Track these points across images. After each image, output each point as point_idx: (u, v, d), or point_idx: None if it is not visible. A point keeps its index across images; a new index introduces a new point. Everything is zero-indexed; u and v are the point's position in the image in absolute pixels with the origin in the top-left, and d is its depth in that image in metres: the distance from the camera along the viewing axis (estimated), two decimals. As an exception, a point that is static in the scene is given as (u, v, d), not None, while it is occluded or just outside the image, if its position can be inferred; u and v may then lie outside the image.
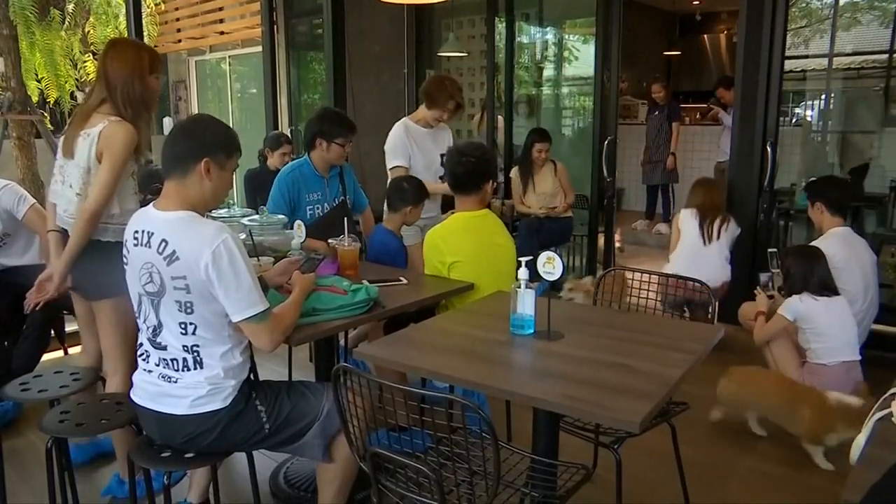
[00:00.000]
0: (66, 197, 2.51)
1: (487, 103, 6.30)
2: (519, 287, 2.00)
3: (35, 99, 6.67)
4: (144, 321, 1.95)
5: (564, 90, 7.22)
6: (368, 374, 1.68)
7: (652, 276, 2.80)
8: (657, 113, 7.21)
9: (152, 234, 1.88)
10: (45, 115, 6.86)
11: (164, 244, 1.85)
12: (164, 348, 1.92)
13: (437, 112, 3.68)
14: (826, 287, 3.13)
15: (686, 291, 2.85)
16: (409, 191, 3.17)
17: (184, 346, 1.90)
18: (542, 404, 1.67)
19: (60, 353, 3.91)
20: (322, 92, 7.34)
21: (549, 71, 7.12)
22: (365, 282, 2.35)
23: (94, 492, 2.65)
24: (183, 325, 1.88)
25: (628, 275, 2.88)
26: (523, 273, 2.01)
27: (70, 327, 3.90)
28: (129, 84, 2.45)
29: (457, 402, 1.55)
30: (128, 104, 2.45)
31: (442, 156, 3.68)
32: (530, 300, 2.00)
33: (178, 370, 1.91)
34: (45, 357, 3.50)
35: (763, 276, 3.51)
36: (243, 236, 2.60)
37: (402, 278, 2.68)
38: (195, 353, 1.90)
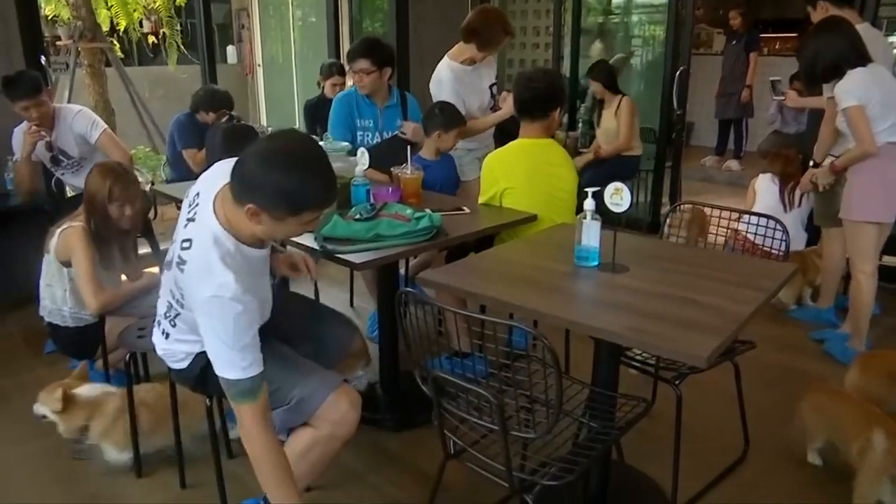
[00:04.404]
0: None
1: (553, 32, 6.07)
2: (584, 218, 1.96)
3: (105, 28, 6.76)
4: None
5: (634, 18, 6.89)
6: (432, 298, 1.69)
7: (723, 211, 2.69)
8: (734, 42, 6.85)
9: (192, 220, 1.72)
10: (115, 43, 6.95)
11: (188, 243, 1.68)
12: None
13: (490, 51, 3.42)
14: (863, 55, 2.86)
15: (759, 253, 2.73)
16: (439, 115, 3.13)
17: (166, 315, 1.87)
18: (605, 335, 1.65)
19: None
20: (383, 19, 7.21)
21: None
22: (428, 210, 2.35)
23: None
24: (169, 305, 1.83)
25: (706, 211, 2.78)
26: (589, 204, 1.96)
27: (142, 250, 4.07)
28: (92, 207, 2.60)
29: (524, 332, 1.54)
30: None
31: (491, 86, 3.58)
32: (595, 231, 1.96)
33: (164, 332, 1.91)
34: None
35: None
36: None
37: (464, 208, 2.67)
38: (171, 322, 1.86)
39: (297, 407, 1.79)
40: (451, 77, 3.37)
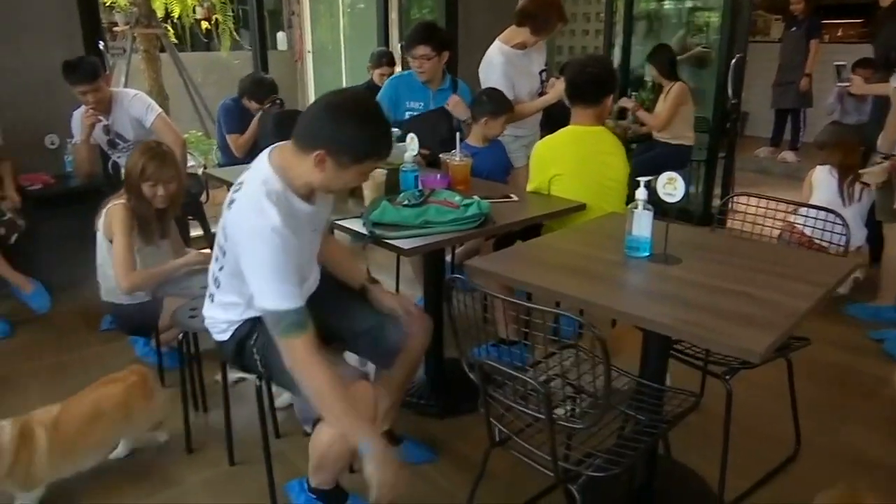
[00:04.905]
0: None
1: (605, 19, 5.96)
2: (636, 207, 1.92)
3: (160, 14, 6.90)
4: None
5: (688, 3, 6.71)
6: (480, 285, 1.68)
7: (780, 203, 2.61)
8: (794, 29, 6.60)
9: (241, 178, 1.81)
10: (169, 29, 7.10)
11: (239, 185, 1.77)
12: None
13: (543, 36, 3.38)
14: None
15: (811, 243, 2.64)
16: (487, 102, 3.12)
17: (214, 277, 1.92)
18: (655, 327, 1.62)
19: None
20: (432, 6, 7.19)
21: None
22: (476, 197, 2.34)
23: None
24: (216, 258, 1.89)
25: (755, 201, 2.69)
26: (641, 193, 1.92)
27: (194, 232, 4.17)
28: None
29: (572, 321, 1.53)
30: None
31: (541, 72, 3.53)
32: (647, 221, 1.92)
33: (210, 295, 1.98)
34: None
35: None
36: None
37: (512, 195, 2.65)
38: (216, 284, 1.92)
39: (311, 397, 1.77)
40: (501, 60, 3.35)
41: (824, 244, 2.47)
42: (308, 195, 1.80)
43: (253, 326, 1.89)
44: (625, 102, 4.96)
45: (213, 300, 1.96)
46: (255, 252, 1.66)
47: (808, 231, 2.78)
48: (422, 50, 3.24)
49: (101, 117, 3.53)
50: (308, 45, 9.28)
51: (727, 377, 2.05)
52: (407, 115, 3.36)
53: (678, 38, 6.29)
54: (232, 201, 1.75)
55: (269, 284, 1.66)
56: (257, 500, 2.18)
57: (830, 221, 2.44)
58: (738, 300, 1.67)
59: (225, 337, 1.95)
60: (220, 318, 1.94)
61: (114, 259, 2.64)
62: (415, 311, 2.11)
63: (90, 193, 3.46)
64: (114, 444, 2.35)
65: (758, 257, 2.02)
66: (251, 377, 2.08)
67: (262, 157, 1.78)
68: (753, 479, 2.27)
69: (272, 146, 1.80)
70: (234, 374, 2.40)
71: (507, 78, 3.32)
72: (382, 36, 5.82)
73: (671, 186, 1.91)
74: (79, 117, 3.55)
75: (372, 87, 4.54)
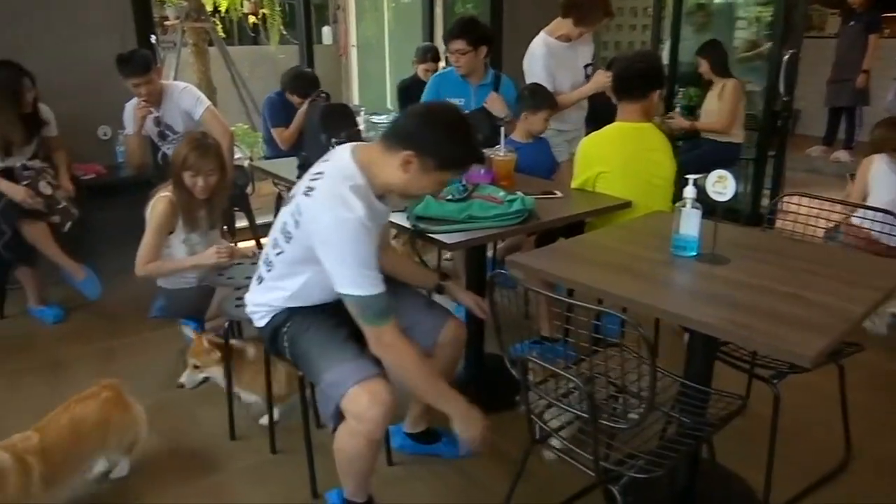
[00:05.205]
0: None
1: (654, 13, 5.86)
2: (684, 206, 1.89)
3: (209, 8, 7.03)
4: None
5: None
6: (524, 281, 1.67)
7: (834, 204, 2.53)
8: (853, 23, 6.37)
9: (325, 161, 1.86)
10: (217, 23, 7.23)
11: (319, 175, 1.79)
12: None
13: (586, 28, 3.36)
14: None
15: (869, 244, 2.54)
16: (528, 97, 3.11)
17: (266, 259, 1.95)
18: (702, 327, 1.59)
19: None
20: (477, 1, 7.17)
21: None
22: (519, 193, 2.32)
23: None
24: (275, 242, 1.90)
25: (807, 202, 2.61)
26: (690, 191, 1.88)
27: (240, 223, 4.24)
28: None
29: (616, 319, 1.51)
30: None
31: (586, 66, 3.49)
32: (696, 220, 1.88)
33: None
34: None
35: None
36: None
37: (556, 192, 2.63)
38: (268, 267, 1.94)
39: (326, 390, 1.80)
40: (543, 52, 3.35)
41: (892, 245, 2.34)
42: (382, 196, 1.83)
43: (289, 316, 1.94)
44: (675, 122, 4.84)
45: (260, 282, 1.98)
46: (340, 241, 1.69)
47: (869, 229, 2.64)
48: (458, 44, 3.25)
49: (152, 109, 3.61)
50: (353, 40, 9.35)
51: (774, 381, 2.00)
52: None
53: (746, 36, 6.14)
54: (310, 189, 1.76)
55: (355, 270, 1.70)
56: (298, 489, 2.22)
57: (890, 224, 2.36)
58: (789, 302, 1.63)
59: (262, 323, 1.99)
60: (261, 301, 1.97)
61: (140, 244, 2.73)
62: (480, 307, 2.20)
63: (140, 183, 3.53)
64: (91, 465, 2.22)
65: (810, 259, 1.96)
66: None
67: (344, 153, 1.81)
68: (800, 486, 2.21)
69: (355, 144, 1.84)
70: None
71: (547, 70, 3.32)
72: (427, 31, 5.82)
73: (721, 185, 1.86)
74: (131, 109, 3.64)
75: (416, 83, 4.55)
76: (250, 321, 2.06)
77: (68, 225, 3.46)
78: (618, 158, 2.65)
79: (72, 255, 3.51)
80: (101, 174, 3.96)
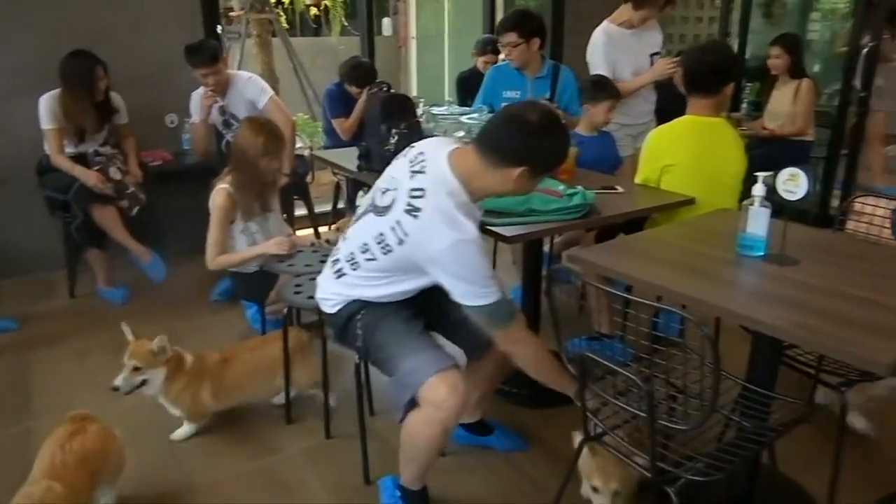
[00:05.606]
0: None
1: (721, 4, 5.68)
2: (752, 204, 1.82)
3: (273, 0, 7.16)
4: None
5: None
6: (583, 276, 1.65)
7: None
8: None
9: (421, 172, 1.80)
10: (281, 14, 7.36)
11: (420, 192, 1.76)
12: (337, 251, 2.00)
13: (645, 12, 3.31)
14: None
15: None
16: (590, 89, 3.08)
17: (350, 257, 1.93)
18: (767, 329, 1.53)
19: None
20: (539, -9, 7.09)
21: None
22: (580, 187, 2.29)
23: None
24: (364, 247, 1.87)
25: (884, 203, 2.49)
26: (759, 189, 1.82)
27: (299, 211, 4.31)
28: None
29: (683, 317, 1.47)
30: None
31: (653, 55, 3.41)
32: (764, 219, 1.81)
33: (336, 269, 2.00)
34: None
35: None
36: (462, 133, 2.63)
37: (617, 187, 2.58)
38: (352, 265, 1.93)
39: (402, 379, 1.81)
40: (604, 40, 3.34)
41: None
42: (476, 198, 1.86)
43: (363, 306, 1.94)
44: (753, 130, 4.62)
45: (340, 276, 1.96)
46: (461, 262, 1.72)
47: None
48: (509, 37, 3.23)
49: (217, 98, 3.70)
50: (412, 32, 9.38)
51: (842, 388, 1.92)
52: (503, 105, 3.33)
53: (846, 31, 5.88)
54: (415, 209, 1.74)
55: (479, 285, 1.74)
56: (351, 474, 2.25)
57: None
58: (862, 307, 1.56)
59: (334, 310, 1.99)
60: (336, 290, 1.98)
61: (208, 239, 2.83)
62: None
63: (205, 170, 3.63)
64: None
65: (885, 262, 1.87)
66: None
67: (440, 163, 1.79)
68: (866, 500, 2.12)
69: (451, 150, 1.82)
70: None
71: (606, 57, 3.29)
72: (487, 23, 5.79)
73: (792, 183, 1.79)
74: (197, 98, 3.74)
75: (476, 75, 4.53)
76: (310, 308, 2.08)
77: (136, 209, 3.58)
78: (686, 153, 2.57)
79: (139, 238, 3.61)
80: (167, 161, 4.07)
